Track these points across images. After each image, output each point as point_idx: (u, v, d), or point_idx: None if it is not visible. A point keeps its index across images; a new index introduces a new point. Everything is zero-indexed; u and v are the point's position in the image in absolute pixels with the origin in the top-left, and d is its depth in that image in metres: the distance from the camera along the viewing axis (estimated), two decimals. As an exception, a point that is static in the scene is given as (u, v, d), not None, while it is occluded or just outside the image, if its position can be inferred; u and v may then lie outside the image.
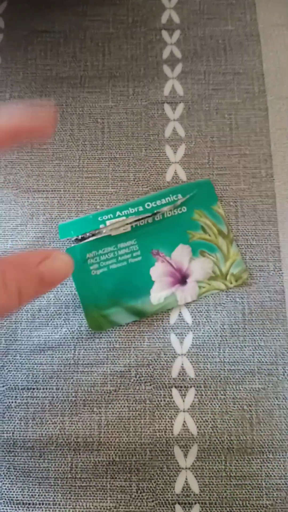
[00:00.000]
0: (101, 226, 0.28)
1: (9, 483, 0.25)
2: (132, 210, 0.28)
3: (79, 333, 0.27)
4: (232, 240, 0.28)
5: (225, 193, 0.29)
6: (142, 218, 0.28)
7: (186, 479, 0.25)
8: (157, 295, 0.27)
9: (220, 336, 0.27)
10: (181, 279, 0.27)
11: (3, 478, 0.25)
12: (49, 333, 0.27)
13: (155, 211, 0.28)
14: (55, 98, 0.31)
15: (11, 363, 0.27)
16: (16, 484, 0.25)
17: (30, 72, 0.32)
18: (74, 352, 0.27)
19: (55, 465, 0.25)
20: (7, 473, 0.25)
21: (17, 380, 0.26)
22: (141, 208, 0.28)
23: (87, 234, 0.28)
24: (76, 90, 0.31)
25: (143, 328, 0.27)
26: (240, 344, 0.27)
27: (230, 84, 0.31)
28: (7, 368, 0.27)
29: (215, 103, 0.31)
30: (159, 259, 0.28)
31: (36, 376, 0.26)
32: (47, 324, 0.27)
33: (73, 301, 0.28)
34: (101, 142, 0.30)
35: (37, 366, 0.27)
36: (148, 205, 0.28)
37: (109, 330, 0.27)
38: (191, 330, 0.27)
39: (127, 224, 0.28)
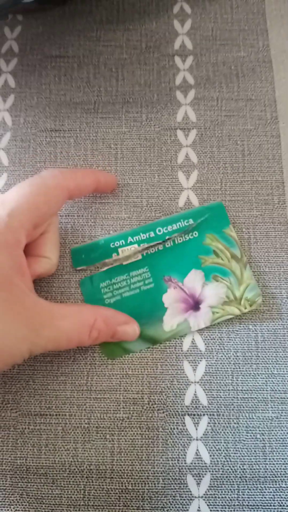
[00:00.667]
0: (113, 255, 0.28)
1: (22, 510, 0.25)
2: (143, 236, 0.28)
3: (92, 359, 0.27)
4: (246, 263, 0.28)
5: (237, 219, 0.29)
6: (153, 246, 0.28)
7: (199, 507, 0.25)
8: (170, 321, 0.27)
9: (233, 363, 0.27)
10: (194, 305, 0.27)
11: (16, 505, 0.25)
12: (62, 358, 0.27)
13: (166, 238, 0.28)
14: (68, 123, 0.32)
15: (24, 389, 0.27)
16: (29, 511, 0.25)
17: (44, 97, 0.32)
18: (87, 378, 0.27)
19: (68, 492, 0.25)
20: (19, 500, 0.25)
21: (30, 406, 0.27)
22: (152, 234, 0.28)
23: (99, 263, 0.28)
24: (90, 115, 0.32)
25: (156, 355, 0.27)
26: (253, 372, 0.27)
27: (243, 110, 0.31)
28: (20, 394, 0.27)
29: (228, 130, 0.31)
30: (171, 286, 0.28)
31: (49, 402, 0.27)
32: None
33: (86, 327, 0.28)
34: (115, 168, 0.31)
35: (50, 392, 0.27)
36: (159, 230, 0.28)
37: (121, 357, 0.27)
38: (204, 358, 0.27)
39: (138, 252, 0.28)
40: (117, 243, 0.28)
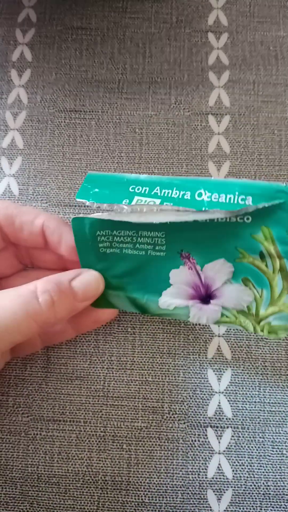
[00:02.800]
0: (124, 201, 0.21)
1: (31, 519, 0.24)
2: (175, 194, 0.21)
3: (110, 363, 0.25)
4: None
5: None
6: (178, 214, 0.20)
7: (219, 525, 0.24)
8: (168, 300, 0.23)
9: (261, 374, 0.25)
10: (205, 296, 0.22)
11: (26, 515, 0.24)
12: (77, 361, 0.25)
13: (203, 209, 0.20)
14: (90, 104, 0.29)
15: (36, 392, 0.25)
16: (39, 520, 0.24)
17: (64, 73, 0.30)
18: (104, 383, 0.25)
19: (81, 503, 0.24)
20: (30, 509, 0.24)
21: (43, 411, 0.25)
22: (188, 196, 0.20)
23: (104, 205, 0.21)
24: (113, 95, 0.29)
25: (178, 362, 0.25)
26: (282, 384, 0.25)
27: (281, 96, 0.29)
28: (32, 397, 0.25)
29: (264, 117, 0.28)
30: (187, 264, 0.22)
31: (63, 407, 0.25)
32: (76, 351, 0.26)
33: (103, 328, 0.26)
34: (139, 154, 0.28)
35: (64, 397, 0.25)
36: (199, 194, 0.20)
37: (141, 363, 0.25)
38: (230, 366, 0.25)
39: (157, 213, 0.20)
40: (138, 189, 0.21)
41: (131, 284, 0.23)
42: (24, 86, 0.30)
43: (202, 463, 0.24)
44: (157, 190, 0.21)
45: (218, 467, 0.24)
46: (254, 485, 0.24)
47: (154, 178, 0.21)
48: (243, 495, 0.24)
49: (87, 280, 0.22)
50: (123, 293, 0.23)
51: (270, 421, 0.25)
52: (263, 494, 0.24)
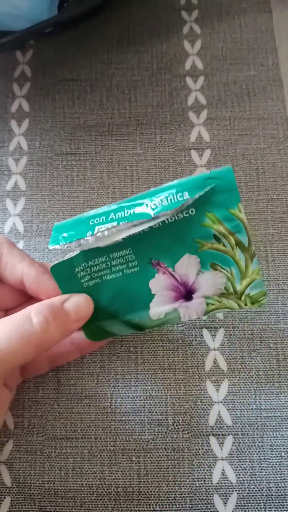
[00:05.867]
0: (88, 234, 0.23)
1: (51, 534, 0.25)
2: (126, 213, 0.23)
3: (115, 381, 0.27)
4: (254, 255, 0.23)
5: (254, 238, 0.30)
6: (134, 226, 0.22)
7: (227, 528, 0.25)
8: (158, 310, 0.24)
9: (256, 382, 0.27)
10: (186, 294, 0.24)
11: (45, 530, 0.25)
12: (85, 381, 0.27)
13: (153, 216, 0.22)
14: (84, 146, 0.32)
15: (49, 413, 0.27)
16: (58, 535, 0.25)
17: (59, 120, 0.33)
18: (111, 400, 0.27)
19: (96, 515, 0.26)
20: (48, 524, 0.25)
21: (56, 430, 0.27)
22: (137, 211, 0.23)
23: (72, 244, 0.23)
24: (105, 138, 0.32)
25: (179, 376, 0.27)
26: (275, 391, 0.27)
27: (255, 129, 0.32)
28: (45, 418, 0.27)
29: (241, 149, 0.31)
30: (160, 271, 0.23)
31: (74, 425, 0.27)
32: (83, 372, 0.28)
33: (107, 349, 0.28)
34: (131, 189, 0.31)
35: (75, 415, 0.27)
36: (146, 206, 0.23)
37: (144, 379, 0.27)
38: (227, 377, 0.27)
39: (117, 232, 0.23)
40: (97, 220, 0.23)
41: (121, 309, 0.24)
42: (24, 134, 0.33)
43: (207, 470, 0.26)
44: (112, 216, 0.23)
45: (222, 472, 0.26)
46: (257, 488, 0.26)
47: (106, 208, 0.24)
48: (248, 498, 0.26)
49: (78, 301, 0.23)
50: (117, 319, 0.24)
51: (267, 426, 0.27)
52: (266, 495, 0.26)
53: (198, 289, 0.24)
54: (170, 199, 0.22)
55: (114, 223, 0.22)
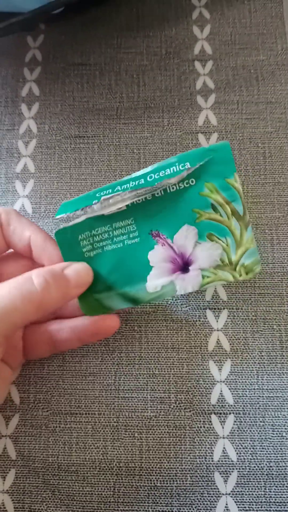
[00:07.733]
0: (93, 202, 0.24)
1: (54, 507, 0.26)
2: (132, 184, 0.24)
3: (119, 359, 0.28)
4: (248, 224, 0.23)
5: (260, 220, 0.30)
6: (138, 194, 0.24)
7: (226, 504, 0.25)
8: (154, 282, 0.24)
9: (258, 363, 0.27)
10: (183, 266, 0.24)
11: (48, 502, 0.26)
12: (90, 359, 0.28)
13: (156, 183, 0.23)
14: (92, 130, 0.32)
15: (54, 389, 0.28)
16: (61, 507, 0.26)
17: (68, 104, 0.33)
18: (115, 378, 0.28)
19: (98, 489, 0.26)
20: (51, 497, 0.26)
21: (61, 405, 0.27)
22: (142, 181, 0.24)
23: (78, 212, 0.24)
24: (113, 121, 0.32)
25: (182, 355, 0.28)
26: (278, 371, 0.27)
27: (263, 113, 0.32)
28: (50, 394, 0.28)
29: (249, 133, 0.31)
30: (160, 242, 0.24)
31: (78, 401, 0.27)
32: (88, 349, 0.28)
33: (113, 328, 0.28)
34: (138, 172, 0.31)
35: (79, 392, 0.28)
36: (150, 177, 0.24)
37: (148, 358, 0.28)
38: (229, 357, 0.28)
39: (122, 200, 0.24)
40: (103, 193, 0.24)
41: (119, 280, 0.25)
42: (34, 118, 0.33)
43: (208, 448, 0.26)
44: (118, 188, 0.24)
45: (223, 450, 0.26)
46: (258, 466, 0.26)
47: (113, 182, 0.25)
48: (248, 476, 0.26)
49: (78, 268, 0.24)
50: (113, 292, 0.25)
51: (269, 406, 0.27)
52: (267, 474, 0.26)
53: (195, 260, 0.24)
54: (173, 169, 0.23)
55: (120, 192, 0.24)
